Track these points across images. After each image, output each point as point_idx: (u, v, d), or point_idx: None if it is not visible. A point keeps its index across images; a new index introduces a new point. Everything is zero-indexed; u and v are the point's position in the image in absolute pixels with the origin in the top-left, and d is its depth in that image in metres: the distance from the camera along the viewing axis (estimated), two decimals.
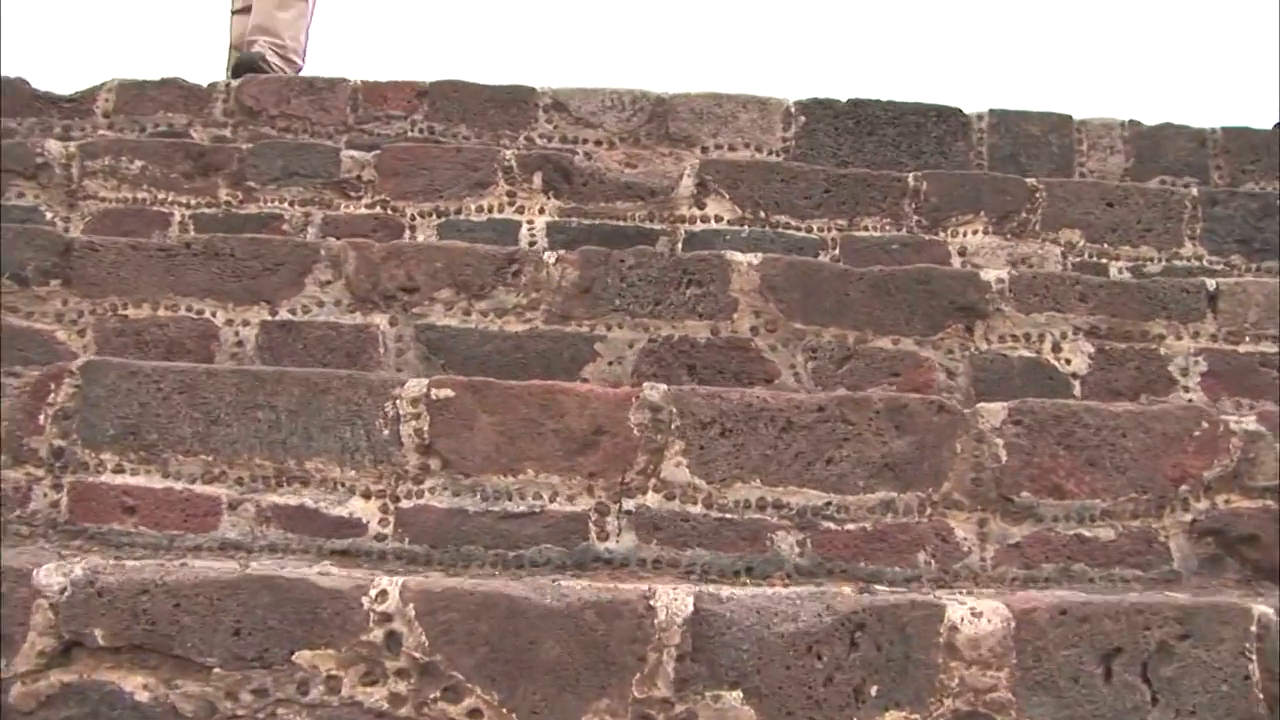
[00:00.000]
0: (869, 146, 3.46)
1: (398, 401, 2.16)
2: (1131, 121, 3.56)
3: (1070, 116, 3.56)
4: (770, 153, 3.45)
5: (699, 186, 3.05)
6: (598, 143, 3.48)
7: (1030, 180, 3.13)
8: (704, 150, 3.46)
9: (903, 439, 2.17)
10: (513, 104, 3.53)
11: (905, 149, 3.46)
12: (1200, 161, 3.57)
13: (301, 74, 3.96)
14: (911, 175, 3.08)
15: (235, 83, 3.62)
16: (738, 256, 2.65)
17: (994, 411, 2.19)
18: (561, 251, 2.67)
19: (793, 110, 3.49)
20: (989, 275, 2.67)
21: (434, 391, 2.17)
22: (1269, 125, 4.06)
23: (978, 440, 2.17)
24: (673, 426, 2.15)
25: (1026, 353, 2.65)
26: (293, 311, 2.68)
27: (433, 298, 2.65)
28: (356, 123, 3.54)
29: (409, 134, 3.51)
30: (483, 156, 3.10)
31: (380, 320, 2.66)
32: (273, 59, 3.90)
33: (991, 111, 3.53)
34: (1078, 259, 3.08)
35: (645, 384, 2.20)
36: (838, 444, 2.16)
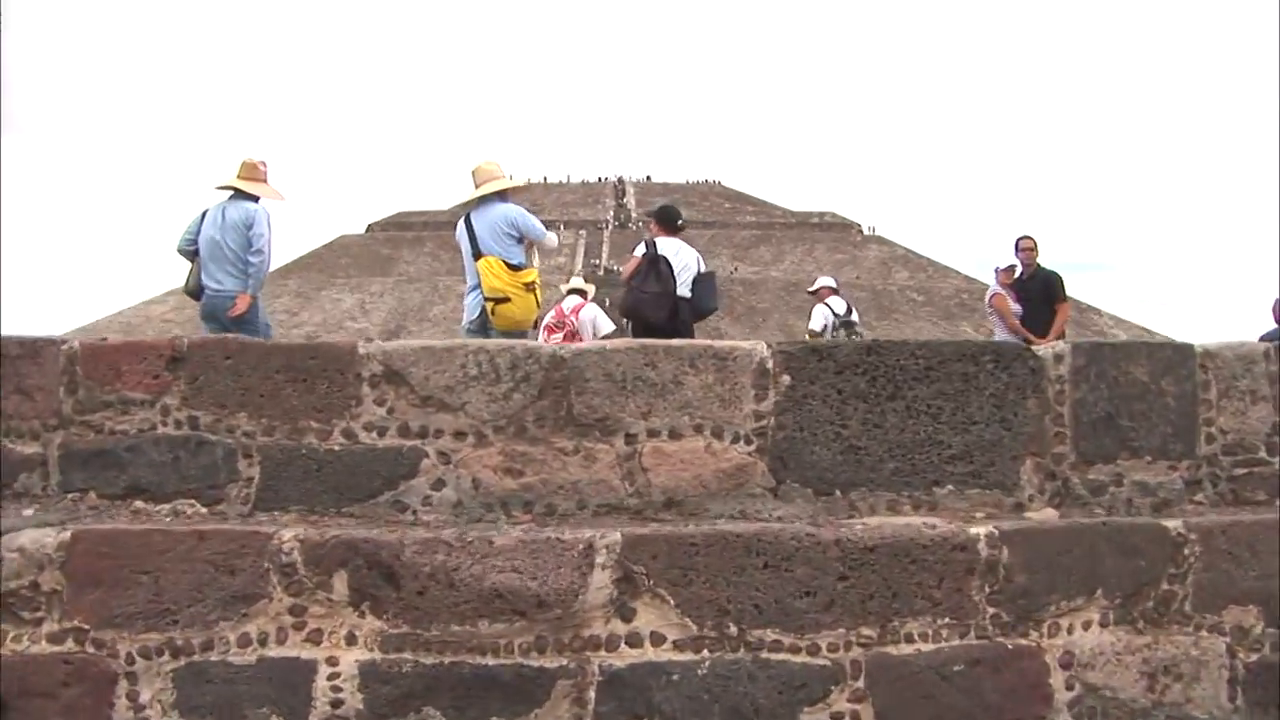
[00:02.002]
0: (892, 419, 2.18)
1: None
2: None
3: (1192, 347, 2.30)
4: (737, 438, 2.17)
5: (622, 583, 1.77)
6: (459, 435, 2.17)
7: (1173, 525, 1.89)
8: (629, 439, 2.16)
9: None
10: (321, 375, 2.19)
11: (947, 419, 2.19)
12: None
13: None
14: (984, 537, 1.83)
15: None
16: None
17: None
18: None
19: (770, 365, 2.20)
20: None
21: None
22: None
23: None
24: None
25: None
26: None
27: None
28: (77, 412, 2.20)
29: (159, 428, 2.19)
30: (243, 547, 1.78)
31: None
32: None
33: (1076, 348, 2.25)
34: (1255, 655, 1.86)
35: None
36: None
